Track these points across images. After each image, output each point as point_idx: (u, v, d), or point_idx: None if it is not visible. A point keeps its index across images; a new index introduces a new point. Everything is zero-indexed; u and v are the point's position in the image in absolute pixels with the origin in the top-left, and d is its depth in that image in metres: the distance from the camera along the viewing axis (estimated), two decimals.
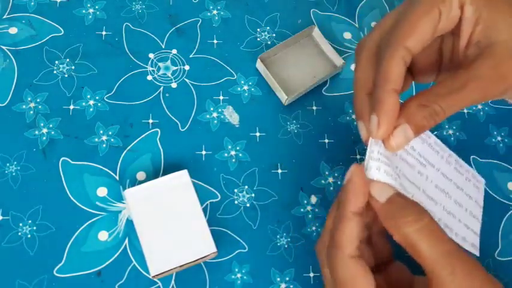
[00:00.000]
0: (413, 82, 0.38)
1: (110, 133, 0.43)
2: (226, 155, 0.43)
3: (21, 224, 0.39)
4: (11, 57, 0.44)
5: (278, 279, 0.40)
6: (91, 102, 0.44)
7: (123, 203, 0.40)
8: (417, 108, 0.30)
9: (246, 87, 0.46)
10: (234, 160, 0.43)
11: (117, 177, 0.41)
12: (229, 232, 0.41)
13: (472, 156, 0.45)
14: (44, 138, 0.42)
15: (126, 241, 0.39)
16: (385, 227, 0.30)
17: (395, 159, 0.32)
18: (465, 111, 0.47)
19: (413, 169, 0.33)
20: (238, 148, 0.44)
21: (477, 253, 0.34)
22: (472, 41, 0.31)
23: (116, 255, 0.39)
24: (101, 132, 0.43)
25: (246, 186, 0.42)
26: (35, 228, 0.39)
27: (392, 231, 0.29)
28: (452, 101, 0.29)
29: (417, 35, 0.31)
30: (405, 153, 0.33)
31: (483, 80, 0.29)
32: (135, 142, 0.43)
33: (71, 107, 0.43)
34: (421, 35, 0.31)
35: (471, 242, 0.34)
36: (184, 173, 0.39)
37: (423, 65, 0.35)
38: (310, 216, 0.42)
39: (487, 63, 0.30)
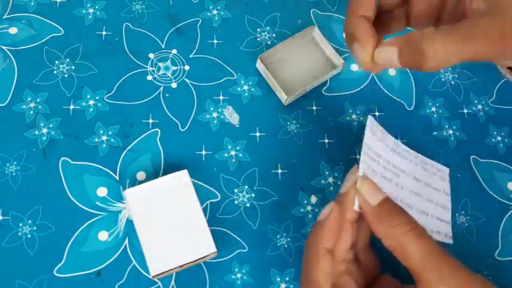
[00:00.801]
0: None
1: (110, 133, 0.43)
2: (226, 155, 0.43)
3: (21, 224, 0.39)
4: (11, 57, 0.44)
5: (278, 279, 0.40)
6: (91, 102, 0.44)
7: (123, 203, 0.40)
8: (414, 42, 0.29)
9: (246, 87, 0.46)
10: (234, 160, 0.43)
11: (117, 177, 0.41)
12: (229, 232, 0.41)
13: (472, 156, 0.45)
14: (44, 138, 0.42)
15: (126, 241, 0.39)
16: (376, 234, 0.30)
17: (377, 179, 0.33)
18: (465, 111, 0.47)
19: (390, 183, 0.35)
20: (238, 148, 0.44)
21: (451, 241, 0.36)
22: None
23: (116, 255, 0.39)
24: (101, 132, 0.43)
25: (246, 186, 0.42)
26: (35, 228, 0.39)
27: (382, 234, 0.29)
28: (453, 49, 0.28)
29: None
30: (383, 169, 0.35)
31: (490, 34, 0.28)
32: (135, 142, 0.43)
33: (71, 107, 0.43)
34: None
35: (444, 232, 0.36)
36: (184, 173, 0.39)
37: (422, 10, 0.34)
38: (310, 216, 0.42)
39: (495, 19, 0.28)
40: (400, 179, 0.36)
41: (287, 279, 0.40)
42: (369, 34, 0.32)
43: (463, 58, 0.28)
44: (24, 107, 0.43)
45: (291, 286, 0.39)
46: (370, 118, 0.35)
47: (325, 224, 0.31)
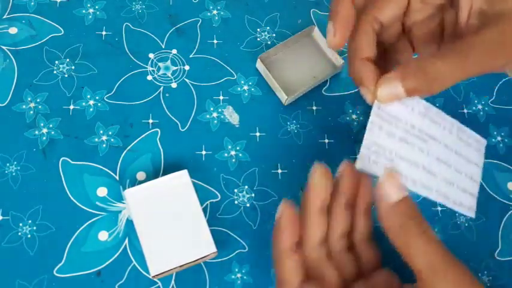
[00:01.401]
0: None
1: (110, 133, 0.43)
2: (226, 155, 0.43)
3: (21, 224, 0.39)
4: (11, 57, 0.44)
5: None
6: (91, 102, 0.44)
7: (123, 203, 0.40)
8: (416, 69, 0.29)
9: (246, 87, 0.46)
10: (234, 160, 0.43)
11: (117, 177, 0.41)
12: (229, 232, 0.41)
13: None
14: (44, 138, 0.42)
15: (126, 241, 0.39)
16: (383, 227, 0.30)
17: (392, 141, 0.32)
18: (465, 111, 0.47)
19: (413, 148, 0.33)
20: (238, 148, 0.44)
21: (473, 215, 0.35)
22: (473, 11, 0.30)
23: (116, 255, 0.39)
24: (101, 132, 0.43)
25: (246, 186, 0.42)
26: (35, 228, 0.39)
27: (390, 232, 0.29)
28: (454, 68, 0.28)
29: (386, 8, 0.32)
30: (404, 132, 0.33)
31: (490, 47, 0.28)
32: (135, 142, 0.43)
33: (71, 107, 0.43)
34: (390, 8, 0.32)
35: (468, 205, 0.35)
36: (184, 173, 0.39)
37: (423, 35, 0.35)
38: None
39: (492, 30, 0.29)
40: (426, 144, 0.34)
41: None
42: (373, 76, 0.31)
43: (468, 74, 0.29)
44: (24, 107, 0.43)
45: None
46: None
47: (280, 223, 0.32)
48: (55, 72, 0.44)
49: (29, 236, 0.39)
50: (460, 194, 0.35)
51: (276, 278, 0.33)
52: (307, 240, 0.32)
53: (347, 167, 0.33)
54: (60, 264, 0.38)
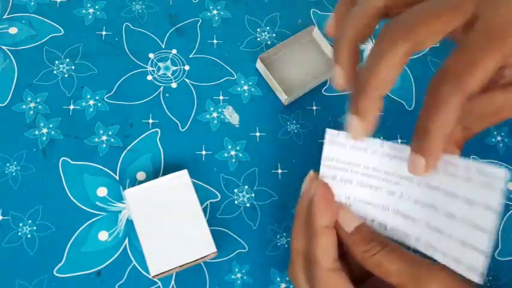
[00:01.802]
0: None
1: (110, 133, 0.43)
2: (226, 155, 0.43)
3: (21, 224, 0.39)
4: (11, 57, 0.44)
5: (278, 279, 0.40)
6: (91, 102, 0.44)
7: (123, 203, 0.40)
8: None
9: (246, 87, 0.46)
10: (234, 160, 0.43)
11: (117, 177, 0.41)
12: (229, 232, 0.41)
13: (472, 156, 0.45)
14: (44, 138, 0.42)
15: (126, 241, 0.39)
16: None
17: (349, 187, 0.31)
18: None
19: (378, 191, 0.31)
20: (238, 148, 0.44)
21: (477, 279, 0.26)
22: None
23: (116, 255, 0.39)
24: (101, 132, 0.43)
25: (246, 186, 0.42)
26: (35, 228, 0.39)
27: (359, 257, 0.29)
28: (485, 123, 0.29)
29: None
30: (365, 177, 0.31)
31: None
32: (135, 142, 0.43)
33: (71, 107, 0.43)
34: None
35: (469, 263, 0.26)
36: (184, 173, 0.39)
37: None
38: None
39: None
40: (400, 186, 0.31)
41: (287, 279, 0.40)
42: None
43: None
44: (24, 107, 0.43)
45: (291, 286, 0.39)
46: (328, 131, 0.32)
47: (316, 200, 0.31)
48: (55, 72, 0.44)
49: (29, 236, 0.39)
50: (456, 247, 0.28)
51: (291, 258, 0.32)
52: (324, 257, 0.31)
53: None
54: (60, 264, 0.38)
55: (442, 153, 0.27)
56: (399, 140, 0.45)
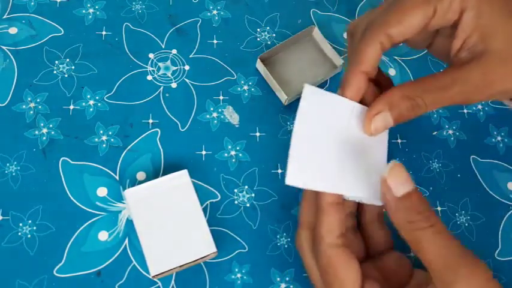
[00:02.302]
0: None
1: (110, 133, 0.43)
2: (226, 155, 0.43)
3: (21, 224, 0.39)
4: (11, 57, 0.44)
5: (278, 279, 0.40)
6: (91, 102, 0.44)
7: (123, 203, 0.40)
8: (401, 98, 0.30)
9: (246, 87, 0.46)
10: (234, 160, 0.43)
11: (117, 177, 0.41)
12: (229, 232, 0.41)
13: (472, 156, 0.45)
14: (44, 138, 0.42)
15: (126, 241, 0.39)
16: (393, 223, 0.30)
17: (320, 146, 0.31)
18: (465, 111, 0.47)
19: (332, 146, 0.32)
20: (238, 148, 0.44)
21: (379, 203, 0.31)
22: (466, 45, 0.31)
23: (116, 255, 0.39)
24: (101, 132, 0.43)
25: (246, 186, 0.42)
26: (35, 228, 0.39)
27: (400, 226, 0.29)
28: (436, 98, 0.30)
29: (403, 25, 0.31)
30: (326, 134, 0.32)
31: (470, 84, 0.30)
32: (135, 142, 0.43)
33: (71, 107, 0.43)
34: (408, 27, 0.31)
35: (368, 192, 0.31)
36: (184, 173, 0.39)
37: (416, 38, 0.35)
38: None
39: (477, 69, 0.30)
40: (353, 146, 0.32)
41: (287, 279, 0.40)
42: (358, 91, 0.32)
43: (450, 103, 0.30)
44: (24, 107, 0.43)
45: (291, 286, 0.39)
46: (307, 86, 0.32)
47: None
48: (55, 72, 0.44)
49: (29, 236, 0.39)
50: (363, 181, 0.31)
51: (298, 230, 0.33)
52: (327, 232, 0.32)
53: None
54: (60, 264, 0.38)
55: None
56: (399, 140, 0.45)
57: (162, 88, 0.45)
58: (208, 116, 0.45)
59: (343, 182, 0.31)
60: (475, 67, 0.30)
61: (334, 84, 0.47)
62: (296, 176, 0.29)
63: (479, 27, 0.30)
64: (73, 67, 0.45)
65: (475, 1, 0.30)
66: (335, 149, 0.31)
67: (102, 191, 0.41)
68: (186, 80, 0.46)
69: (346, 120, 0.32)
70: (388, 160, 0.32)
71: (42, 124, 0.42)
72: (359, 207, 0.34)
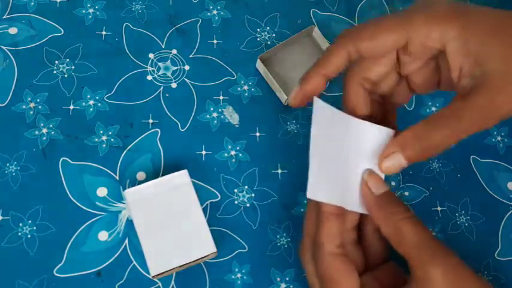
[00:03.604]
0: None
1: (110, 133, 0.43)
2: (226, 155, 0.43)
3: (21, 224, 0.39)
4: (11, 57, 0.44)
5: (278, 279, 0.40)
6: (91, 102, 0.44)
7: (123, 203, 0.40)
8: (413, 138, 0.30)
9: (246, 87, 0.46)
10: (234, 160, 0.43)
11: (117, 177, 0.41)
12: (229, 232, 0.41)
13: (472, 156, 0.45)
14: (44, 138, 0.42)
15: (126, 241, 0.39)
16: (375, 222, 0.32)
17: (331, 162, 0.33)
18: None
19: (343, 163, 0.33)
20: (238, 148, 0.44)
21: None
22: (463, 73, 0.31)
23: (116, 255, 0.39)
24: (101, 132, 0.43)
25: (246, 186, 0.42)
26: (35, 228, 0.39)
27: (381, 220, 0.31)
28: (448, 134, 0.30)
29: (373, 43, 0.32)
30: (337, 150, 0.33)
31: (478, 113, 0.30)
32: (135, 142, 0.43)
33: (71, 107, 0.43)
34: (377, 45, 0.32)
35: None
36: (184, 173, 0.39)
37: (421, 82, 0.35)
38: None
39: (482, 96, 0.29)
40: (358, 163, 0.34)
41: (287, 279, 0.40)
42: None
43: (462, 137, 0.30)
44: (24, 107, 0.43)
45: (291, 286, 0.39)
46: (316, 100, 0.33)
47: None
48: (55, 72, 0.44)
49: (29, 236, 0.39)
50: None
51: (302, 239, 0.34)
52: (328, 241, 0.33)
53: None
54: (60, 264, 0.38)
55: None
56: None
57: (162, 88, 0.45)
58: (208, 116, 0.45)
59: (352, 198, 0.33)
60: (479, 94, 0.30)
61: (334, 84, 0.47)
62: (316, 190, 0.32)
63: (470, 53, 0.30)
64: (73, 67, 0.45)
65: (457, 30, 0.30)
66: (347, 165, 0.33)
67: (102, 191, 0.41)
68: (186, 80, 0.46)
69: (354, 138, 0.33)
70: None
71: (42, 124, 0.42)
72: (360, 220, 0.35)
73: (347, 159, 0.33)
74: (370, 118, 0.34)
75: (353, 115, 0.33)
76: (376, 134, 0.33)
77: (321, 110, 0.32)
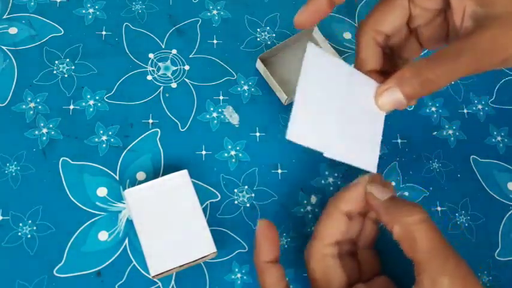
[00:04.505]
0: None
1: (110, 133, 0.43)
2: (226, 155, 0.43)
3: (21, 224, 0.39)
4: (11, 57, 0.44)
5: None
6: (91, 102, 0.44)
7: (123, 203, 0.40)
8: (411, 74, 0.30)
9: (246, 87, 0.46)
10: (234, 160, 0.43)
11: (117, 177, 0.41)
12: (229, 232, 0.41)
13: (472, 156, 0.45)
14: (44, 138, 0.42)
15: (126, 241, 0.39)
16: (387, 227, 0.31)
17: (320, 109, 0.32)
18: (465, 111, 0.47)
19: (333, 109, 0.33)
20: (238, 148, 0.44)
21: (374, 170, 0.33)
22: (467, 13, 0.31)
23: (116, 255, 0.39)
24: (101, 132, 0.43)
25: (246, 186, 0.42)
26: (35, 228, 0.39)
27: (393, 223, 0.30)
28: (447, 70, 0.29)
29: (386, 20, 0.33)
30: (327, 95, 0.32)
31: (480, 50, 0.29)
32: (135, 142, 0.43)
33: (71, 107, 0.43)
34: (392, 18, 0.33)
35: (368, 160, 0.33)
36: (184, 173, 0.39)
37: (430, 35, 0.35)
38: (310, 216, 0.42)
39: (486, 34, 0.29)
40: (350, 110, 0.33)
41: (287, 279, 0.40)
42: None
43: (461, 75, 0.30)
44: (24, 107, 0.43)
45: (291, 286, 0.39)
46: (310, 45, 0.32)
47: (258, 239, 0.33)
48: (55, 72, 0.44)
49: (29, 236, 0.39)
50: (360, 149, 0.33)
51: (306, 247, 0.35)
52: (325, 236, 0.34)
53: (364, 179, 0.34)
54: (60, 264, 0.38)
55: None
56: (399, 140, 0.45)
57: (162, 88, 0.45)
58: (208, 116, 0.45)
59: (339, 146, 0.32)
60: (483, 32, 0.29)
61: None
62: (297, 132, 0.30)
63: None
64: (73, 67, 0.45)
65: None
66: (334, 112, 0.32)
67: (102, 191, 0.41)
68: (186, 80, 0.46)
69: (346, 85, 0.32)
70: (384, 129, 0.34)
71: (42, 124, 0.42)
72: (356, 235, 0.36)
73: (336, 105, 0.32)
74: (380, 72, 0.34)
75: (364, 68, 0.33)
76: (372, 86, 0.33)
77: (314, 54, 0.32)
